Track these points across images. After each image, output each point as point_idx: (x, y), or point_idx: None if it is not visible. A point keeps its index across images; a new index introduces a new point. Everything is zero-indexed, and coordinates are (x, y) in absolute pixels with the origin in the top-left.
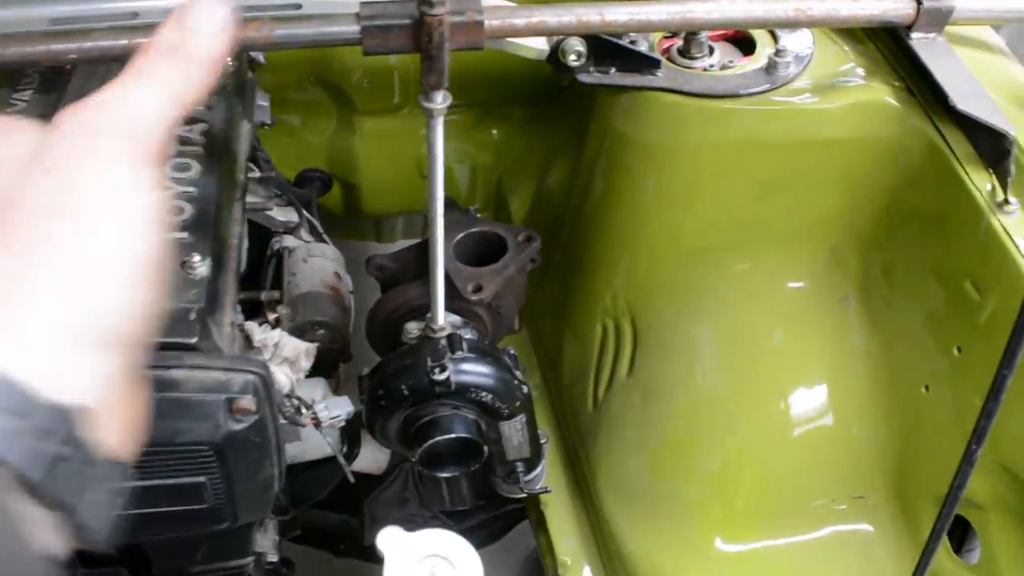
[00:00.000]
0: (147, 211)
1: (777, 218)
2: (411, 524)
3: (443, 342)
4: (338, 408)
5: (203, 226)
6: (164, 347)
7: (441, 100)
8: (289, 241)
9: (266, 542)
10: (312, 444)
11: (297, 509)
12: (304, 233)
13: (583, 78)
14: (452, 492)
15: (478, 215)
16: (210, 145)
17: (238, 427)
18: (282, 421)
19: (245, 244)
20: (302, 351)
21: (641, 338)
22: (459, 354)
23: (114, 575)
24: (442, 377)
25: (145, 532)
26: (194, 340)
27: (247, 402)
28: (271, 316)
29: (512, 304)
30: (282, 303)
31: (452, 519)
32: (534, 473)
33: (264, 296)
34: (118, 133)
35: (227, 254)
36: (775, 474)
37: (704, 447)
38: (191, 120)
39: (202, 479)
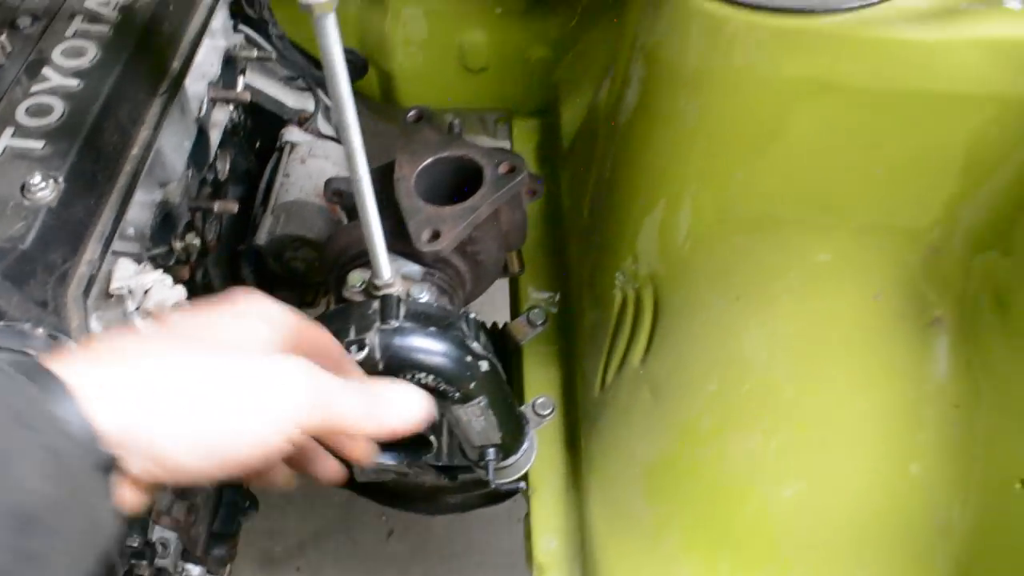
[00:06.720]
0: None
1: (864, 197)
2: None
3: (374, 306)
4: None
5: (72, 134)
6: None
7: None
8: (295, 135)
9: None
10: None
11: None
12: (322, 124)
13: None
14: (451, 443)
15: (459, 133)
16: (125, 24)
17: None
18: None
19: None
20: (168, 306)
21: (662, 321)
22: (391, 323)
23: None
24: (360, 356)
25: None
26: None
27: None
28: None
29: (494, 249)
30: (266, 211)
31: (445, 473)
32: (514, 458)
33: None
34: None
35: (106, 173)
36: (799, 530)
37: (714, 478)
38: None
39: None
